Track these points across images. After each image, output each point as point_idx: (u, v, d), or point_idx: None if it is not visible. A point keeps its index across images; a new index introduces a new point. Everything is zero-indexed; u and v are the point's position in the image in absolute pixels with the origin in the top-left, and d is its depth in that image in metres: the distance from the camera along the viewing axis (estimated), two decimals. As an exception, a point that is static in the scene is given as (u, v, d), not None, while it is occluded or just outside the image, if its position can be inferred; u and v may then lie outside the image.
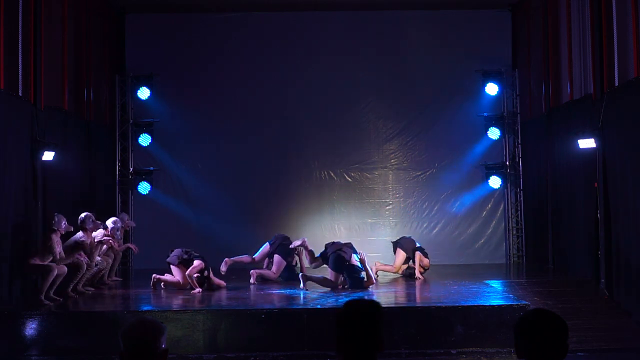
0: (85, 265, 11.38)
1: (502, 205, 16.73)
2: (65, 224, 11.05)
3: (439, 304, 10.36)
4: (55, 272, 10.63)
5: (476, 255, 16.41)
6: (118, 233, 12.61)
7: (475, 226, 16.56)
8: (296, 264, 13.49)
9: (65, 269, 10.95)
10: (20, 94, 11.50)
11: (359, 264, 11.85)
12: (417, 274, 13.13)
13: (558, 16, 14.28)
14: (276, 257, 13.26)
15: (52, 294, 10.70)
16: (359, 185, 16.55)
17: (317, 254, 12.40)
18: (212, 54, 16.74)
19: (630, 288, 10.61)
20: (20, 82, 11.53)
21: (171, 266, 12.27)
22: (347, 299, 3.19)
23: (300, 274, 11.98)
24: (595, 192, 11.99)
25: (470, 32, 16.65)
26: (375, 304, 3.12)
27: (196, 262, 12.00)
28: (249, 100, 16.53)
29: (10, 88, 11.13)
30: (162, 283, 12.31)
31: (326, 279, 11.90)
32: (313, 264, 12.44)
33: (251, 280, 12.94)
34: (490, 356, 9.41)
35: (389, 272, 13.55)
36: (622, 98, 10.96)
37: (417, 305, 10.52)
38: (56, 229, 10.92)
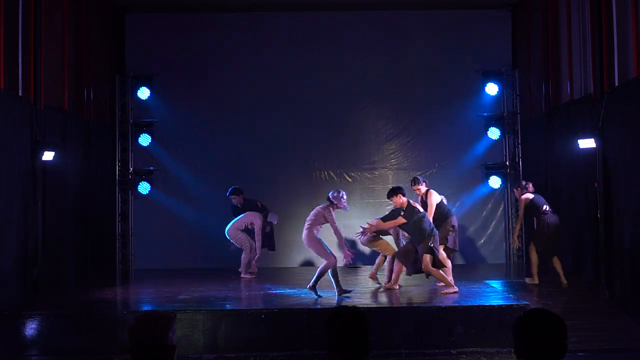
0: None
1: (502, 205, 16.73)
2: (344, 201, 11.07)
3: (439, 304, 10.37)
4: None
5: (476, 255, 16.41)
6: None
7: (475, 226, 16.57)
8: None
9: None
10: (20, 94, 11.51)
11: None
12: None
13: (558, 16, 14.28)
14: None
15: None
16: (359, 185, 16.55)
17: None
18: (212, 54, 16.74)
19: (630, 288, 10.61)
20: (20, 82, 11.54)
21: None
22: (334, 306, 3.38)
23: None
24: (595, 192, 11.99)
25: (470, 32, 16.66)
26: (355, 311, 3.25)
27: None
28: (248, 100, 16.53)
29: (10, 88, 11.13)
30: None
31: None
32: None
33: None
34: (490, 356, 9.41)
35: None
36: (622, 98, 10.96)
37: (417, 305, 10.52)
38: (335, 202, 10.94)
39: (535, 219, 12.57)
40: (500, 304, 10.19)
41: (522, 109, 16.63)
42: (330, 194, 11.15)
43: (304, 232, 11.08)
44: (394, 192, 11.40)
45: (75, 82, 14.09)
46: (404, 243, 11.83)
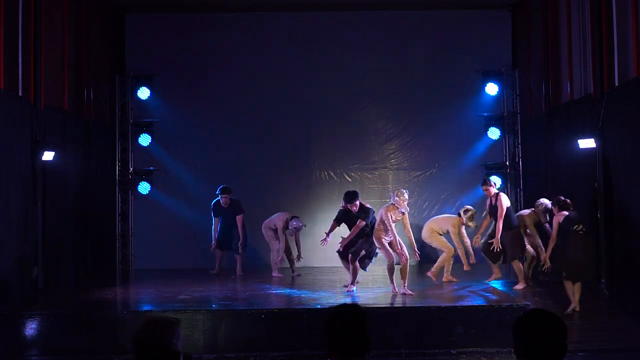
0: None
1: (502, 205, 16.69)
2: (405, 202, 11.21)
3: (439, 304, 10.37)
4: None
5: (476, 255, 16.34)
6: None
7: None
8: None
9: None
10: (20, 94, 11.51)
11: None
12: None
13: (558, 16, 14.28)
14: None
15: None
16: (359, 185, 16.51)
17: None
18: (212, 54, 16.74)
19: (630, 288, 10.61)
20: (20, 82, 11.53)
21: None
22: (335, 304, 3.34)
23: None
24: (595, 192, 11.98)
25: (470, 32, 16.65)
26: (355, 311, 3.24)
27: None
28: (248, 100, 16.53)
29: (10, 88, 11.13)
30: None
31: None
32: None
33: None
34: (490, 356, 9.41)
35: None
36: (622, 98, 10.96)
37: (417, 305, 10.51)
38: (394, 204, 11.07)
39: (564, 238, 11.18)
40: (500, 304, 10.18)
41: (522, 109, 16.62)
42: (391, 196, 11.33)
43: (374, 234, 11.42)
44: (354, 198, 11.67)
45: (75, 82, 14.09)
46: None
